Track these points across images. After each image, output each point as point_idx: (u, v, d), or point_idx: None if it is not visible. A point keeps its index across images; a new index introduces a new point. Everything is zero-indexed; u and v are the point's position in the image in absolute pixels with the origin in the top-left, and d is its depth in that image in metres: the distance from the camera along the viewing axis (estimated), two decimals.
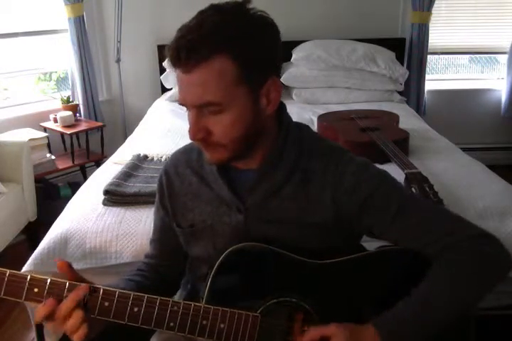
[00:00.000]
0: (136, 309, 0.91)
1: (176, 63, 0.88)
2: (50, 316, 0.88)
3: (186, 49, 0.85)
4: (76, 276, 0.92)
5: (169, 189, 1.11)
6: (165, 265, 1.18)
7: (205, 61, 0.86)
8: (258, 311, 0.96)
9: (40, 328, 1.69)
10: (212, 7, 0.90)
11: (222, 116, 0.90)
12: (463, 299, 0.93)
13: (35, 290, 0.89)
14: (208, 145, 0.95)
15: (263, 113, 0.94)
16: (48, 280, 0.90)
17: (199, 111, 0.91)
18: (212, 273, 0.96)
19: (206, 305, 0.93)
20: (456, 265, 0.93)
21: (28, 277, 0.89)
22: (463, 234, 0.96)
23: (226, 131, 0.92)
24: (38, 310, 0.88)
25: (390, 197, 0.99)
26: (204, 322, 0.92)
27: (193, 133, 0.92)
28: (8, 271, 0.89)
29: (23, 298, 0.89)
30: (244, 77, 0.88)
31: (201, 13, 0.89)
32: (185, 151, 1.12)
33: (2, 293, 0.89)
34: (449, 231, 0.96)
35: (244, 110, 0.91)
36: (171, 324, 0.92)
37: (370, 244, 1.10)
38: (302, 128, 1.07)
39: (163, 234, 1.17)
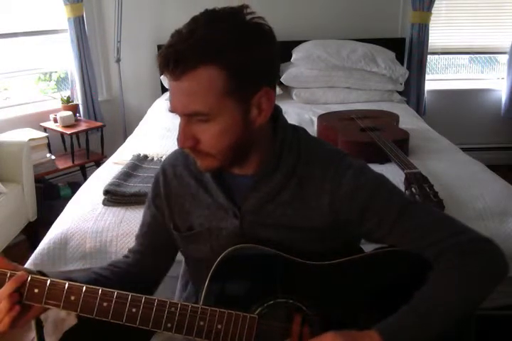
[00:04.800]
0: (134, 310, 0.91)
1: (164, 70, 0.88)
2: None
3: (174, 58, 0.85)
4: (6, 265, 0.93)
5: (166, 189, 1.10)
6: (148, 262, 1.16)
7: (193, 70, 0.85)
8: (256, 312, 0.96)
9: (40, 328, 1.69)
10: (207, 14, 0.88)
11: (210, 125, 0.89)
12: (464, 302, 0.92)
13: (36, 290, 0.90)
14: (197, 153, 0.94)
15: (253, 123, 0.93)
16: (48, 281, 0.91)
17: (188, 119, 0.90)
18: (210, 274, 0.96)
19: (203, 306, 0.93)
20: (456, 269, 0.93)
21: (29, 278, 0.90)
22: (462, 237, 0.96)
23: (213, 140, 0.91)
24: None
25: (389, 202, 0.98)
26: (201, 323, 0.92)
27: (182, 141, 0.92)
28: (9, 272, 0.90)
29: (24, 298, 0.91)
30: (233, 88, 0.87)
31: (194, 20, 0.88)
32: (183, 152, 1.10)
33: None
34: (448, 234, 0.96)
35: (233, 120, 0.90)
36: (169, 325, 0.92)
37: (370, 247, 1.10)
38: (299, 131, 1.05)
39: (150, 230, 1.16)
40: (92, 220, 1.76)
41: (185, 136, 0.91)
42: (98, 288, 0.91)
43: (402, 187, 1.82)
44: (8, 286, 0.90)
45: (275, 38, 0.92)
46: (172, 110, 0.92)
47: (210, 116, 0.88)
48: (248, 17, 0.88)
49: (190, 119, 0.90)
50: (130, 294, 0.91)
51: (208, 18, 0.87)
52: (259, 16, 0.90)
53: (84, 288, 0.91)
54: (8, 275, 0.90)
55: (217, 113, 0.88)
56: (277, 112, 1.01)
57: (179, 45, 0.85)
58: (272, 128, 1.00)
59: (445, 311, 0.90)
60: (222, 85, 0.86)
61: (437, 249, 0.95)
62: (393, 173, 1.96)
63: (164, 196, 1.10)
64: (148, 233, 1.16)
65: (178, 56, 0.84)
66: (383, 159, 2.15)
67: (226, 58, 0.85)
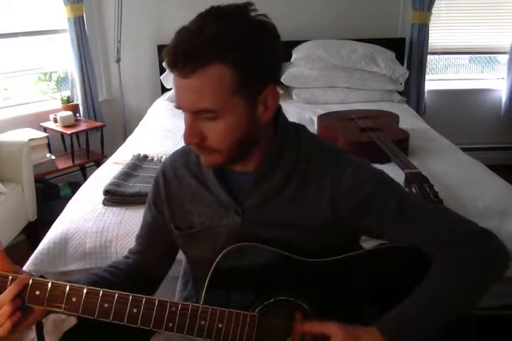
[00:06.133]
0: (135, 310, 0.91)
1: (172, 68, 0.87)
2: None
3: (184, 55, 0.84)
4: (8, 267, 0.93)
5: (166, 190, 1.10)
6: (148, 262, 1.16)
7: (203, 68, 0.85)
8: (256, 311, 0.96)
9: (40, 328, 1.69)
10: (213, 11, 0.88)
11: (217, 122, 0.90)
12: (465, 295, 0.93)
13: (37, 293, 0.90)
14: (203, 149, 0.94)
15: (259, 120, 0.94)
16: (49, 284, 0.91)
17: (195, 116, 0.90)
18: (210, 273, 0.96)
19: (204, 306, 0.93)
20: (456, 261, 0.93)
21: (30, 280, 0.90)
22: (462, 230, 0.96)
23: (221, 137, 0.91)
24: None
25: (389, 198, 0.99)
26: (202, 322, 0.92)
27: (188, 137, 0.92)
28: (10, 275, 0.90)
29: (26, 301, 0.91)
30: (241, 86, 0.88)
31: (201, 17, 0.88)
32: (183, 153, 1.11)
33: None
34: (448, 228, 0.97)
35: (240, 118, 0.91)
36: (170, 324, 0.92)
37: (369, 244, 1.10)
38: (299, 129, 1.06)
39: (151, 231, 1.16)
40: (92, 220, 1.76)
41: (192, 132, 0.91)
42: (99, 289, 0.91)
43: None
44: (11, 290, 0.89)
45: (279, 35, 0.93)
46: (178, 107, 0.92)
47: (218, 114, 0.88)
48: (253, 14, 0.89)
49: (197, 116, 0.90)
50: (131, 295, 0.92)
51: (215, 15, 0.87)
52: (263, 14, 0.90)
53: (85, 290, 0.91)
54: (10, 278, 0.90)
55: (225, 110, 0.88)
56: (277, 110, 1.02)
57: (188, 43, 0.84)
58: (273, 126, 1.01)
59: (445, 305, 0.90)
60: (231, 83, 0.86)
61: (436, 243, 0.96)
62: (393, 173, 1.94)
63: (165, 197, 1.10)
64: (149, 234, 1.17)
65: (187, 54, 0.84)
66: (383, 159, 2.15)
67: (235, 56, 0.85)
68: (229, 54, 0.85)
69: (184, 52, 0.84)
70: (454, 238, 0.95)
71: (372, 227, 1.01)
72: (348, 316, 0.94)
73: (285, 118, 1.04)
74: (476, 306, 0.97)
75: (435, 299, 0.91)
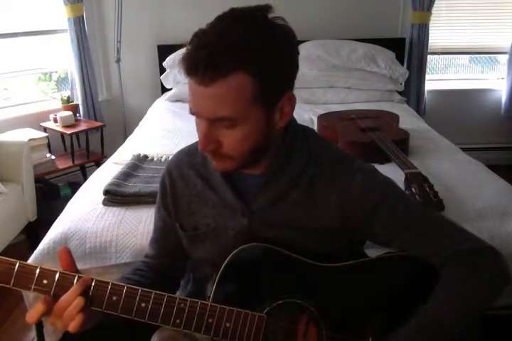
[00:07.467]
0: (143, 305, 0.91)
1: (191, 74, 0.84)
2: (47, 313, 0.87)
3: (205, 62, 0.81)
4: (72, 267, 0.91)
5: (172, 190, 1.10)
6: (165, 265, 1.18)
7: (224, 77, 0.83)
8: (264, 312, 0.96)
9: (40, 328, 1.69)
10: (233, 13, 0.86)
11: (234, 130, 0.89)
12: (467, 313, 0.93)
13: (45, 281, 0.88)
14: (217, 155, 0.93)
15: (274, 126, 0.94)
16: (58, 273, 0.89)
17: (212, 123, 0.89)
18: (220, 273, 0.96)
19: (213, 304, 0.93)
20: (459, 281, 0.94)
21: (38, 269, 0.88)
22: (467, 246, 0.97)
23: (237, 144, 0.91)
24: (36, 308, 0.86)
25: (398, 206, 0.99)
26: (210, 320, 0.92)
27: (204, 144, 0.91)
28: (18, 262, 0.88)
29: (32, 289, 0.88)
30: (261, 94, 0.86)
31: (221, 19, 0.85)
32: (188, 153, 1.11)
33: (11, 284, 0.88)
34: (454, 242, 0.97)
35: (258, 125, 0.90)
36: (177, 321, 0.92)
37: (372, 251, 1.10)
38: (308, 132, 1.06)
39: (163, 234, 1.17)
40: (92, 220, 1.76)
41: (208, 139, 0.90)
42: (108, 281, 0.90)
43: (402, 187, 1.82)
44: (76, 288, 0.87)
45: (297, 39, 0.92)
46: (195, 114, 0.90)
47: (236, 122, 0.87)
48: (271, 17, 0.87)
49: (214, 124, 0.89)
50: (140, 289, 0.91)
51: (236, 18, 0.85)
52: (281, 17, 0.89)
53: (93, 282, 0.90)
54: (76, 278, 0.88)
55: (243, 119, 0.87)
56: None
57: (208, 49, 0.81)
58: (284, 129, 1.00)
59: (450, 323, 0.91)
60: (251, 92, 0.85)
61: (442, 256, 0.96)
62: (393, 173, 1.95)
63: (171, 196, 1.10)
64: (162, 238, 1.17)
65: (209, 60, 0.81)
66: (383, 159, 2.15)
67: (258, 64, 0.84)
68: (251, 62, 0.83)
69: (206, 59, 0.81)
70: (459, 253, 0.95)
71: (379, 233, 1.01)
72: (354, 321, 0.95)
73: (295, 121, 1.04)
74: (478, 317, 0.97)
75: (438, 315, 0.91)
